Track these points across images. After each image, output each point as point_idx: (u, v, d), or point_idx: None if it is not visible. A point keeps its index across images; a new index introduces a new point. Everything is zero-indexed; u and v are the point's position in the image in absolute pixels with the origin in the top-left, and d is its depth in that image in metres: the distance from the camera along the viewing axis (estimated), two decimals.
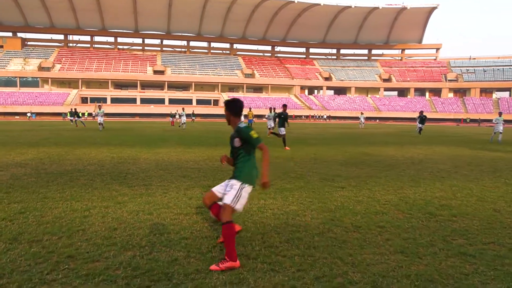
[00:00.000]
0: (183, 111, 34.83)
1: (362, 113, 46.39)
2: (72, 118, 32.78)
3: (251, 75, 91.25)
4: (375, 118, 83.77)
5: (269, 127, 24.38)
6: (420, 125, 27.40)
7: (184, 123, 33.84)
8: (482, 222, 5.42)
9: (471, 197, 6.97)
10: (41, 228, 4.82)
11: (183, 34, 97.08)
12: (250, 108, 34.27)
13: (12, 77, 77.62)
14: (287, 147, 15.42)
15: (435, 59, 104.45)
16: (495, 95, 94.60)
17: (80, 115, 34.10)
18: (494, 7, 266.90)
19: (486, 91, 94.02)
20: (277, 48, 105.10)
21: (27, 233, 4.65)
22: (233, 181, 4.03)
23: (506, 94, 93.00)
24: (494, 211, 6.01)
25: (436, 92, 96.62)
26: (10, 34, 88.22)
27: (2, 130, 26.97)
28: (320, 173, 9.32)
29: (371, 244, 4.48)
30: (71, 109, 34.60)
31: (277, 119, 18.18)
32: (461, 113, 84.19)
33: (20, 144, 15.84)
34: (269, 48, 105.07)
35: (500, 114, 23.38)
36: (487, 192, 7.38)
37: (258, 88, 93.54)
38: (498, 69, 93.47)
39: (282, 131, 16.24)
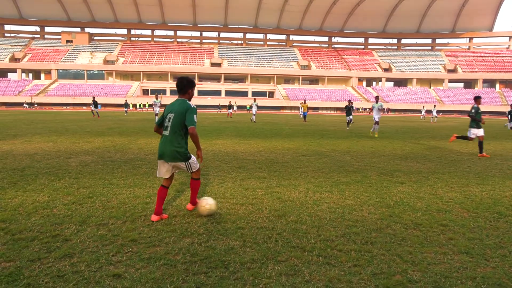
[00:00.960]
0: (255, 101, 33.54)
1: (434, 106, 44.32)
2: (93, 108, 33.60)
3: (307, 67, 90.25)
4: (438, 111, 79.63)
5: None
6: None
7: (254, 114, 32.22)
8: None
9: None
10: (107, 213, 5.14)
11: (239, 26, 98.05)
12: (304, 100, 34.05)
13: (80, 70, 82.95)
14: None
15: (507, 48, 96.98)
16: None
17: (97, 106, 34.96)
18: None
19: None
20: (334, 39, 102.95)
21: (94, 216, 4.98)
22: None
23: None
24: None
25: (508, 83, 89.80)
26: (78, 29, 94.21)
27: (71, 120, 28.96)
28: (378, 167, 9.06)
29: (433, 243, 4.29)
30: (93, 98, 35.39)
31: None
32: None
33: (87, 133, 16.93)
34: (326, 39, 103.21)
35: None
36: None
37: (314, 80, 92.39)
38: None
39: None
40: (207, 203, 4.96)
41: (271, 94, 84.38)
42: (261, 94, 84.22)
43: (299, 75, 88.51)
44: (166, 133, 4.76)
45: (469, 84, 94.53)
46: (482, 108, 75.98)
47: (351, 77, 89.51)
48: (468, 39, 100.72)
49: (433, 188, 6.96)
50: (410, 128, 26.69)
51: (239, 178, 7.43)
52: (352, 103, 25.38)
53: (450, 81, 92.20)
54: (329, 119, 41.46)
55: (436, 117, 41.15)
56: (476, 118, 11.39)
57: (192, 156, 4.94)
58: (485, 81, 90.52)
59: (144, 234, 4.39)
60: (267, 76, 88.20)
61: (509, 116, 23.93)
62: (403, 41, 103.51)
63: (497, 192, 6.72)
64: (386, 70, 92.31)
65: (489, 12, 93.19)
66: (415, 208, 5.63)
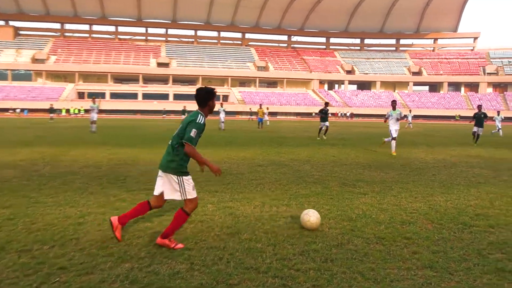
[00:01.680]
0: (222, 106, 31.19)
1: (410, 111, 45.90)
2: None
3: (265, 68, 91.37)
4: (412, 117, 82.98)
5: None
6: (479, 129, 20.74)
7: (223, 122, 29.89)
8: None
9: (511, 205, 6.86)
10: (31, 236, 4.89)
11: (190, 22, 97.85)
12: (260, 105, 34.14)
13: (3, 70, 79.02)
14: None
15: (472, 50, 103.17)
16: None
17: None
18: None
19: None
20: (294, 38, 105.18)
21: (15, 241, 4.72)
22: None
23: None
24: None
25: (473, 86, 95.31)
26: (2, 22, 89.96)
27: None
28: (340, 177, 9.28)
29: (396, 258, 4.43)
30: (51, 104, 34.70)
31: None
32: (502, 110, 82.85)
33: (11, 143, 16.12)
34: (285, 38, 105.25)
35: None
36: None
37: (272, 82, 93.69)
38: None
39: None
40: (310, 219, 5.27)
41: (225, 98, 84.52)
42: None
43: (256, 77, 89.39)
44: (169, 142, 4.77)
45: (434, 87, 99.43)
46: (446, 113, 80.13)
47: (312, 79, 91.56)
48: (432, 39, 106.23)
49: (397, 198, 7.22)
50: (375, 134, 27.58)
51: None
52: (328, 106, 22.45)
53: (415, 84, 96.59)
54: (288, 125, 42.04)
55: (411, 123, 42.80)
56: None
57: (190, 177, 4.67)
58: (450, 84, 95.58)
59: (75, 260, 4.22)
60: (221, 78, 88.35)
61: (474, 120, 24.64)
62: (366, 41, 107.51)
63: (462, 201, 7.08)
64: (348, 72, 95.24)
65: (453, 13, 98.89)
66: (378, 220, 5.80)
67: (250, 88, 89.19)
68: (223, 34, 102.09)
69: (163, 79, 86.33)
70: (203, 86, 4.85)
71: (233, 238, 4.95)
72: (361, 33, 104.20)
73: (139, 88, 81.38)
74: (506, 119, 78.77)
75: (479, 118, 20.56)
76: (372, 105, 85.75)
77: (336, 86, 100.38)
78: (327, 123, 21.54)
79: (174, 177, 4.60)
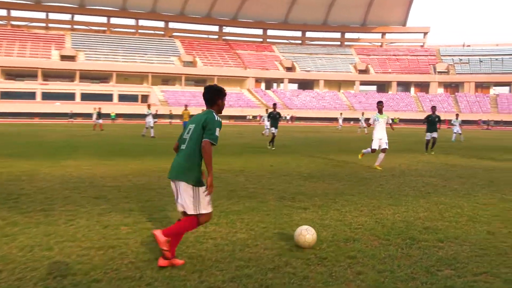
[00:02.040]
0: (149, 109, 30.13)
1: (362, 114, 47.55)
2: None
3: (192, 63, 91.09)
4: (349, 120, 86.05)
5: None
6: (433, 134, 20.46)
7: (152, 127, 28.72)
8: (474, 247, 5.70)
9: (461, 217, 7.33)
10: None
11: (101, 7, 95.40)
12: (186, 106, 33.73)
13: None
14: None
15: (422, 46, 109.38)
16: (493, 90, 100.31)
17: None
18: None
19: (482, 86, 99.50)
20: (226, 29, 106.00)
21: None
22: None
23: (505, 89, 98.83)
24: (488, 234, 6.35)
25: (423, 86, 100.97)
26: None
27: None
28: (278, 190, 9.43)
29: (339, 280, 4.57)
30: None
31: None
32: (453, 112, 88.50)
33: None
34: (215, 28, 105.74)
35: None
36: (480, 211, 7.79)
37: (201, 80, 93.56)
38: (497, 59, 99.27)
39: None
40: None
41: (145, 99, 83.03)
42: (132, 98, 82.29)
43: (182, 74, 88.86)
44: (183, 146, 4.91)
45: (382, 87, 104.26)
46: (395, 114, 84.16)
47: (247, 77, 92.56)
48: (380, 34, 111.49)
49: (341, 212, 7.47)
50: (318, 140, 28.36)
51: (96, 213, 7.14)
52: (276, 107, 21.49)
53: (362, 83, 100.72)
54: (222, 130, 42.04)
55: (365, 127, 44.02)
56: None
57: (205, 187, 4.76)
58: (399, 83, 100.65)
59: None
60: (140, 75, 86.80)
61: (426, 123, 25.56)
62: (308, 34, 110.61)
63: (410, 214, 7.46)
64: (289, 69, 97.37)
65: (402, 5, 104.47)
66: (320, 238, 5.95)
67: (175, 87, 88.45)
68: (142, 22, 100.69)
69: (68, 75, 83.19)
70: (213, 84, 5.30)
71: (152, 266, 4.87)
72: (302, 25, 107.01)
73: (37, 86, 77.83)
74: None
75: (433, 122, 19.96)
76: (315, 107, 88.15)
77: (275, 85, 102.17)
78: (275, 130, 20.67)
79: (189, 188, 4.76)
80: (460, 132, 30.98)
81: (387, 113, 14.62)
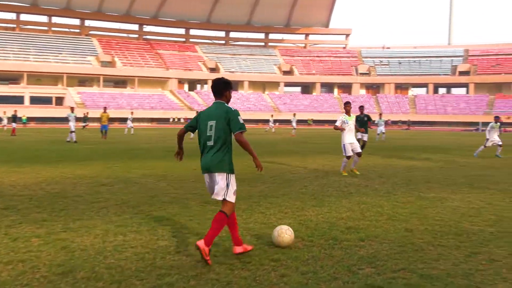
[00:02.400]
0: (72, 112, 27.73)
1: (294, 115, 47.99)
2: None
3: (111, 64, 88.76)
4: (274, 121, 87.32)
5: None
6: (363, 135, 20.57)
7: (73, 131, 26.52)
8: (393, 245, 5.99)
9: (381, 215, 7.68)
10: None
11: (10, 3, 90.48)
12: (104, 109, 32.90)
13: None
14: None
15: (344, 48, 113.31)
16: (411, 91, 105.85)
17: None
18: None
19: (401, 87, 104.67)
20: (147, 28, 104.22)
21: None
22: None
23: (423, 90, 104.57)
24: (406, 231, 6.69)
25: (346, 88, 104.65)
26: None
27: None
28: (202, 194, 9.41)
29: (263, 284, 4.64)
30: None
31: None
32: (375, 113, 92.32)
33: None
34: (135, 27, 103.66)
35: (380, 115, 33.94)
36: (399, 209, 8.20)
37: (120, 81, 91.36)
38: (414, 61, 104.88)
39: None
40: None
41: (60, 101, 79.84)
42: (45, 100, 78.75)
43: (100, 75, 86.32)
44: (211, 143, 5.48)
45: (306, 88, 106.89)
46: (320, 116, 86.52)
47: (169, 78, 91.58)
48: (304, 35, 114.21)
49: (265, 215, 7.58)
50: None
51: (5, 225, 6.79)
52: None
53: (286, 84, 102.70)
54: (141, 133, 41.35)
55: (295, 128, 44.87)
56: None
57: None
58: (323, 84, 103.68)
59: None
60: (53, 76, 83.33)
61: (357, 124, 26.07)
62: (232, 34, 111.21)
63: (333, 214, 7.71)
64: (212, 70, 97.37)
65: (325, 7, 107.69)
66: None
67: (92, 88, 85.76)
68: (55, 19, 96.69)
69: None
70: (221, 77, 5.69)
71: (66, 279, 4.69)
72: (226, 25, 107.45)
73: None
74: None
75: (362, 122, 19.31)
76: (240, 109, 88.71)
77: (199, 86, 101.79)
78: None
79: (224, 176, 5.46)
80: (383, 131, 32.20)
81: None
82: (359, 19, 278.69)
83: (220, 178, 5.43)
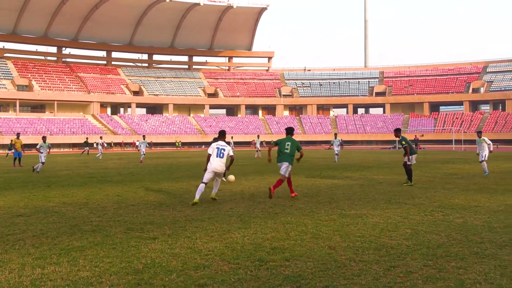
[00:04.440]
0: (44, 141, 25.25)
1: (258, 136, 47.23)
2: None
3: (28, 87, 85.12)
4: (200, 144, 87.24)
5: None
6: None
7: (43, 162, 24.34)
8: (317, 263, 6.13)
9: (305, 234, 7.84)
10: None
11: None
12: (18, 135, 31.24)
13: None
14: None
15: (267, 70, 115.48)
16: (332, 112, 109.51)
17: None
18: (325, 14, 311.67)
19: (323, 108, 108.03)
20: (66, 51, 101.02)
21: None
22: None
23: (343, 111, 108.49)
24: (329, 249, 6.87)
25: (270, 109, 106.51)
26: None
27: None
28: (126, 221, 9.21)
29: None
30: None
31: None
32: (298, 134, 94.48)
33: None
34: (54, 49, 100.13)
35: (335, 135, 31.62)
36: (322, 227, 8.41)
37: (38, 106, 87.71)
38: (334, 83, 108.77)
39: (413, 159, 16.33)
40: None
41: None
42: None
43: (16, 99, 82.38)
44: (287, 151, 12.61)
45: (231, 110, 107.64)
46: (246, 138, 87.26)
47: (91, 101, 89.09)
48: (227, 58, 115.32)
49: (191, 240, 7.52)
50: (168, 166, 28.23)
51: None
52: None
53: (211, 107, 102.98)
54: (62, 159, 39.89)
55: (259, 150, 43.02)
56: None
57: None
58: (247, 106, 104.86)
59: None
60: None
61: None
62: (156, 57, 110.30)
63: (259, 235, 7.78)
64: (136, 93, 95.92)
65: (247, 30, 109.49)
66: (169, 268, 5.93)
67: (8, 114, 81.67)
68: None
69: None
70: (291, 126, 13.46)
71: None
72: (149, 47, 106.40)
73: None
74: (305, 143, 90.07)
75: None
76: (165, 132, 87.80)
77: (122, 110, 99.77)
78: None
79: (290, 165, 12.63)
80: (337, 152, 30.35)
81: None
82: (281, 43, 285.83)
83: (287, 166, 12.62)
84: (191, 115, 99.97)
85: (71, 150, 75.80)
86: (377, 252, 6.66)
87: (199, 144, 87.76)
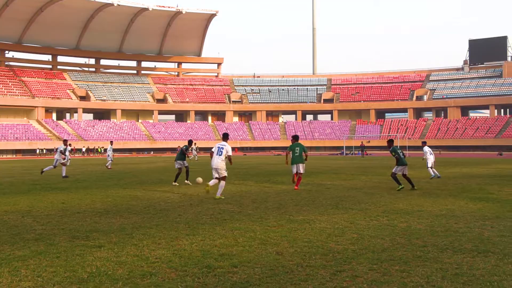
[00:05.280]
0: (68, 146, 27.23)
1: (195, 144, 46.42)
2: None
3: None
4: (148, 150, 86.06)
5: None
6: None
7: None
8: (264, 269, 6.17)
9: (253, 240, 7.87)
10: None
11: None
12: None
13: None
14: None
15: (216, 76, 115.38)
16: (282, 118, 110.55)
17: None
18: (275, 21, 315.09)
19: (272, 114, 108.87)
20: (9, 54, 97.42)
21: None
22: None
23: (292, 117, 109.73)
24: (277, 254, 6.93)
25: (220, 115, 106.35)
26: None
27: None
28: (70, 229, 8.98)
29: None
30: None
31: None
32: (247, 140, 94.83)
33: None
34: None
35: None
36: (270, 233, 8.47)
37: None
38: (283, 90, 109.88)
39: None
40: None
41: None
42: None
43: None
44: (297, 154, 16.26)
45: (180, 116, 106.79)
46: (199, 144, 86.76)
47: (35, 107, 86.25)
48: (176, 63, 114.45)
49: (138, 247, 7.40)
50: (116, 172, 27.71)
51: None
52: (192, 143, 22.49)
53: (160, 112, 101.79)
54: (4, 166, 38.44)
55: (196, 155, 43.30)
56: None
57: None
58: (197, 112, 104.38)
59: None
60: None
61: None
62: (103, 62, 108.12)
63: (207, 242, 7.75)
64: (82, 98, 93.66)
65: (196, 36, 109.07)
66: (115, 277, 5.82)
67: None
68: None
69: None
70: (297, 134, 17.40)
71: None
72: (96, 52, 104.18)
73: None
74: (254, 149, 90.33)
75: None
76: (114, 138, 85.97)
77: (68, 115, 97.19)
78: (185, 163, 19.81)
79: (303, 165, 16.51)
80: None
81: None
82: (230, 49, 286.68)
83: (303, 165, 16.35)
84: (140, 120, 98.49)
85: (14, 156, 73.07)
86: (324, 257, 6.77)
87: (148, 150, 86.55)
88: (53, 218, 10.38)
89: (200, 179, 17.64)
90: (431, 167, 21.34)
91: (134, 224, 9.53)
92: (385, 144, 18.40)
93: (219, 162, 13.62)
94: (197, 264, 6.42)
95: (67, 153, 24.02)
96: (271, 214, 10.73)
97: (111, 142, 34.07)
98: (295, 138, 16.62)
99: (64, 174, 22.92)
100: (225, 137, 14.46)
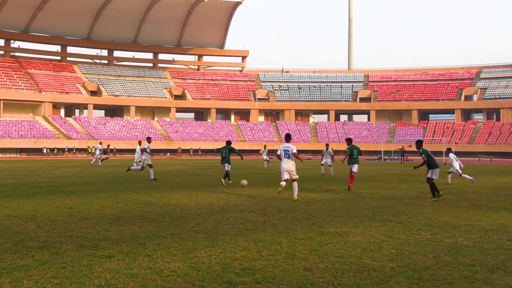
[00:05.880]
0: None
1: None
2: None
3: None
4: (165, 151, 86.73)
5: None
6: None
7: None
8: (291, 286, 6.12)
9: (279, 254, 7.82)
10: None
11: None
12: None
13: None
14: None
15: (241, 71, 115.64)
16: (312, 118, 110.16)
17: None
18: (306, 11, 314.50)
19: (302, 114, 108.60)
20: (15, 44, 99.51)
21: None
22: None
23: (324, 117, 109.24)
24: (305, 270, 6.87)
25: (244, 114, 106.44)
26: None
27: None
28: (78, 237, 9.07)
29: None
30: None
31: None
32: (274, 142, 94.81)
33: None
34: (1, 42, 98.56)
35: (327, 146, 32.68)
36: (298, 246, 8.41)
37: None
38: (315, 86, 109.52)
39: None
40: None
41: None
42: None
43: None
44: (355, 156, 19.06)
45: (200, 114, 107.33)
46: (216, 145, 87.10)
47: (42, 102, 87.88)
48: (197, 56, 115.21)
49: (152, 258, 7.43)
50: (129, 175, 27.97)
51: None
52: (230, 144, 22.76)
53: (178, 110, 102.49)
54: (7, 166, 39.19)
55: (268, 160, 43.22)
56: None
57: None
58: (218, 111, 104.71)
59: None
60: None
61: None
62: (116, 53, 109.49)
63: (228, 255, 7.73)
64: (93, 93, 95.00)
65: (219, 26, 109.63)
66: None
67: None
68: None
69: None
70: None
71: None
72: (109, 42, 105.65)
73: None
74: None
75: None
76: (126, 137, 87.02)
77: (77, 111, 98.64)
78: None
79: (358, 165, 19.61)
80: (330, 164, 30.38)
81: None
82: (256, 41, 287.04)
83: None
84: (155, 119, 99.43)
85: (18, 155, 74.55)
86: (358, 275, 6.69)
87: (164, 151, 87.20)
88: (59, 224, 10.49)
89: (245, 182, 19.91)
90: (461, 173, 23.17)
91: (148, 233, 9.57)
92: (430, 149, 18.60)
93: (290, 165, 15.48)
94: (216, 279, 6.41)
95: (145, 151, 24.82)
96: (299, 225, 10.66)
97: (140, 142, 32.47)
98: (350, 140, 19.83)
99: (152, 177, 23.76)
100: (288, 137, 16.08)
